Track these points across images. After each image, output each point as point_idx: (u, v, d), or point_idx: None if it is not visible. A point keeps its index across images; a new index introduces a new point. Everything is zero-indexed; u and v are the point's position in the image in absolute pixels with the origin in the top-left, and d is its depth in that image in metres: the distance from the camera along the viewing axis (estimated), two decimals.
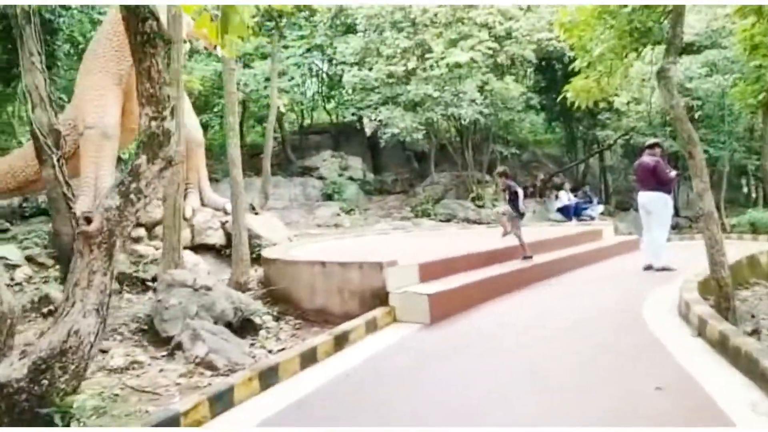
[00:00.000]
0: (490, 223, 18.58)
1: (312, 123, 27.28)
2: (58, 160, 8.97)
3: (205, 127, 27.19)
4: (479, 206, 19.38)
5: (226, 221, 13.15)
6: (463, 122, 18.17)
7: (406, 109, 18.29)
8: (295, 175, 23.15)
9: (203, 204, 13.90)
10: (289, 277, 9.00)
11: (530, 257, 9.53)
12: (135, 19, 4.65)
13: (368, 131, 24.92)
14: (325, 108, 26.05)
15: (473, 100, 17.10)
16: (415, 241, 12.96)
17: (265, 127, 25.49)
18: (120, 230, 4.65)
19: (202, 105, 21.38)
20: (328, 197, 21.42)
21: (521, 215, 9.78)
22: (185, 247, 12.92)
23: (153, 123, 4.85)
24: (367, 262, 7.63)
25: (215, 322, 7.14)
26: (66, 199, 9.03)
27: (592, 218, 18.52)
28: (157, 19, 4.72)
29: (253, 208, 18.67)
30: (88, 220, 4.54)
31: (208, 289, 7.62)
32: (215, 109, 23.63)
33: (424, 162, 24.16)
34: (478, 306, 7.42)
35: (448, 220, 18.69)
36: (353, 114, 22.55)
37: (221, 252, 12.94)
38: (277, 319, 8.23)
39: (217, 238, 13.00)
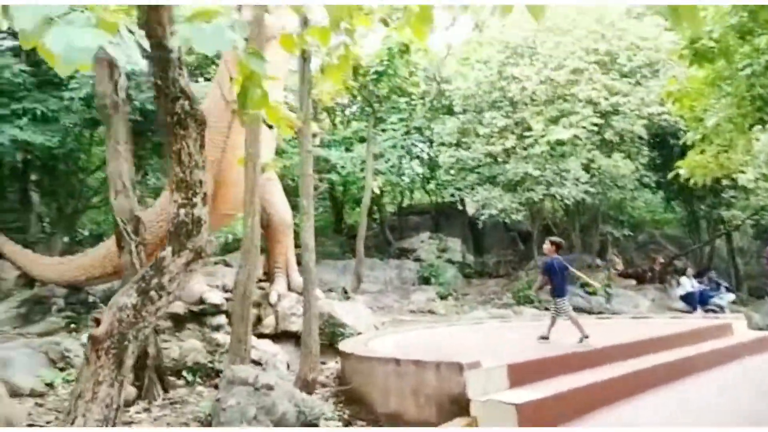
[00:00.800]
0: (602, 312, 16.92)
1: (411, 204, 26.91)
2: (136, 247, 8.87)
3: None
4: (590, 293, 17.77)
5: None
6: (567, 202, 16.98)
7: (505, 189, 17.42)
8: (393, 257, 22.62)
9: (290, 288, 13.52)
10: (363, 375, 8.21)
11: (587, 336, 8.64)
12: (165, 98, 4.25)
13: (470, 211, 24.10)
14: (424, 189, 25.64)
15: (578, 179, 15.96)
16: (511, 335, 11.76)
17: (369, 210, 25.61)
18: (135, 333, 4.09)
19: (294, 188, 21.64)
20: (425, 281, 20.60)
21: (562, 298, 8.92)
22: (269, 335, 12.54)
23: (182, 210, 4.35)
24: (445, 362, 6.67)
25: (276, 425, 6.48)
26: None
27: (721, 308, 16.43)
28: (189, 98, 4.30)
29: (346, 292, 18.21)
30: (98, 322, 4.01)
31: (270, 388, 6.95)
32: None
33: (530, 243, 22.91)
34: (581, 418, 6.20)
35: None
36: (452, 195, 21.90)
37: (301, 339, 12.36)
38: (347, 423, 7.41)
39: (299, 324, 12.42)
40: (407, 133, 21.78)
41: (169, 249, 4.30)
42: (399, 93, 18.49)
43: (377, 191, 17.78)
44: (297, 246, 23.45)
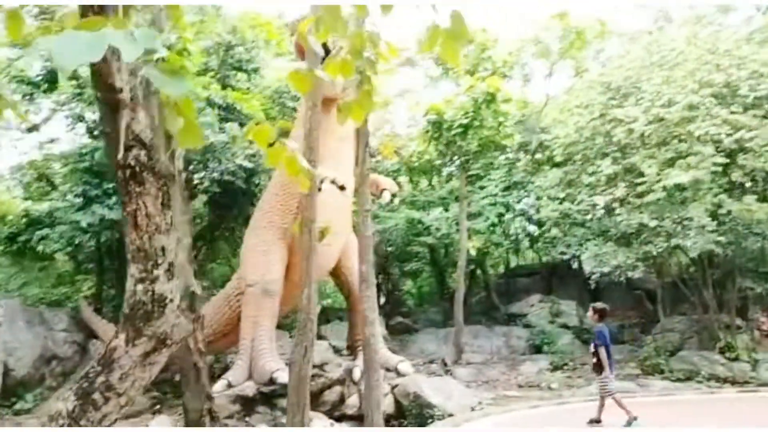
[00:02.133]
0: (747, 382, 14.31)
1: (520, 265, 25.14)
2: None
3: (412, 275, 26.75)
4: (730, 359, 15.17)
5: (397, 384, 11.42)
6: (690, 255, 14.77)
7: (618, 243, 15.52)
8: (501, 324, 20.90)
9: None
10: None
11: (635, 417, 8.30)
12: (115, 148, 3.45)
13: (587, 270, 22.01)
14: (532, 248, 23.86)
15: (703, 227, 13.82)
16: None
17: (468, 273, 24.15)
18: None
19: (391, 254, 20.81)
20: (537, 349, 18.70)
21: (603, 372, 8.48)
22: (352, 417, 11.39)
23: (139, 287, 3.45)
24: None
25: None
26: (197, 370, 8.11)
27: None
28: (146, 147, 3.46)
29: (445, 364, 16.78)
30: None
31: None
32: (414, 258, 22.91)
33: (663, 302, 20.35)
34: None
35: (688, 379, 14.76)
36: (562, 253, 20.07)
37: (389, 423, 11.09)
38: None
39: (385, 405, 11.19)
40: (507, 188, 20.40)
41: (121, 337, 3.38)
42: (492, 147, 17.28)
43: (473, 252, 16.48)
44: (405, 314, 22.64)
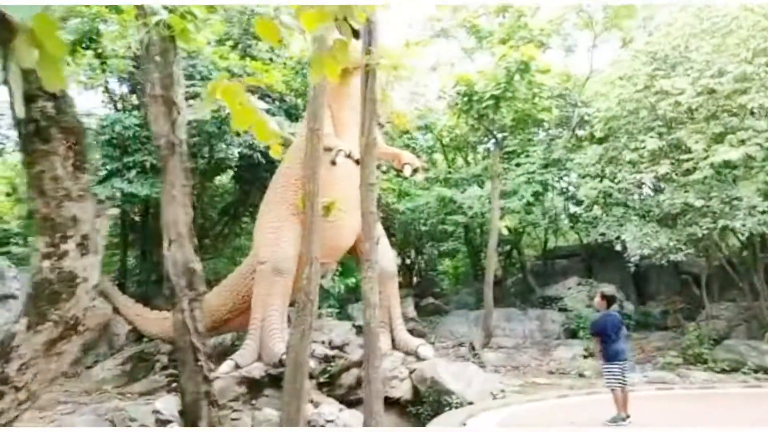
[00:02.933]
0: None
1: (559, 246, 24.13)
2: (189, 303, 7.78)
3: (449, 254, 25.99)
4: None
5: (414, 369, 10.88)
6: (739, 237, 13.71)
7: (661, 223, 14.52)
8: (536, 306, 20.10)
9: (394, 347, 11.86)
10: None
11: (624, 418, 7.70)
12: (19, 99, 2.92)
13: (632, 252, 20.95)
14: (573, 228, 22.84)
15: (754, 207, 12.74)
16: (662, 410, 9.09)
17: (503, 253, 23.34)
18: None
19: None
20: (572, 334, 17.88)
21: (613, 363, 7.74)
22: None
23: (45, 263, 2.95)
24: None
25: None
26: (194, 350, 7.69)
27: None
28: (56, 97, 2.93)
29: (473, 349, 16.14)
30: None
31: None
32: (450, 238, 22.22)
33: (710, 287, 19.17)
34: None
35: (734, 370, 13.76)
36: (602, 234, 19.05)
37: (406, 409, 10.58)
38: None
39: (402, 390, 10.74)
40: (546, 166, 19.44)
41: (22, 321, 2.90)
42: (528, 121, 16.36)
43: (505, 232, 15.71)
44: (429, 294, 22.00)
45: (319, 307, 15.95)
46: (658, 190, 14.54)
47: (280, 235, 10.65)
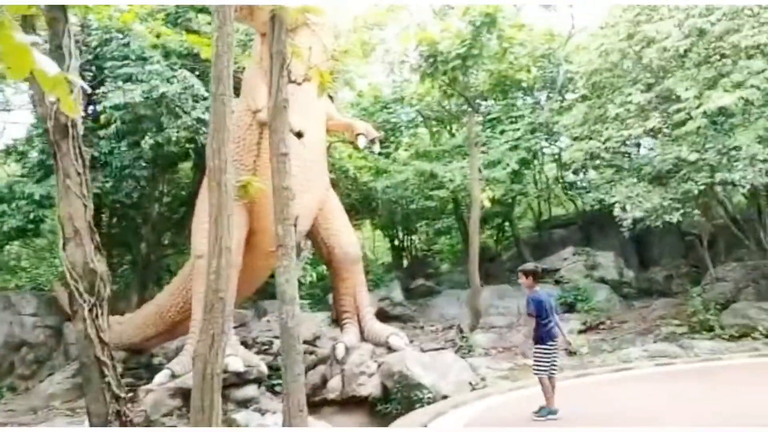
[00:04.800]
0: None
1: (553, 216, 22.90)
2: (90, 310, 6.70)
3: (446, 232, 24.76)
4: None
5: (382, 363, 9.78)
6: (741, 191, 12.48)
7: (653, 182, 13.30)
8: None
9: (363, 338, 10.76)
10: None
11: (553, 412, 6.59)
12: None
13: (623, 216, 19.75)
14: (567, 195, 21.61)
15: (754, 157, 11.48)
16: (662, 396, 7.96)
17: (495, 227, 22.16)
18: None
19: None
20: (570, 307, 16.72)
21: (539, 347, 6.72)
22: (335, 402, 9.86)
23: None
24: None
25: None
26: (100, 365, 6.62)
27: None
28: None
29: (461, 332, 15.03)
30: None
31: None
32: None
33: (712, 249, 17.95)
34: None
35: (743, 336, 12.61)
36: (599, 199, 17.78)
37: (376, 408, 9.51)
38: None
39: (370, 387, 9.66)
40: (533, 132, 18.17)
41: None
42: (506, 83, 15.08)
43: (488, 204, 14.53)
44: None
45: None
46: (648, 147, 13.30)
47: None
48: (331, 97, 12.43)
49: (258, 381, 8.81)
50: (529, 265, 7.41)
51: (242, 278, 10.10)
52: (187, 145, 12.59)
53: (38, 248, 16.25)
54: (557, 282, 17.85)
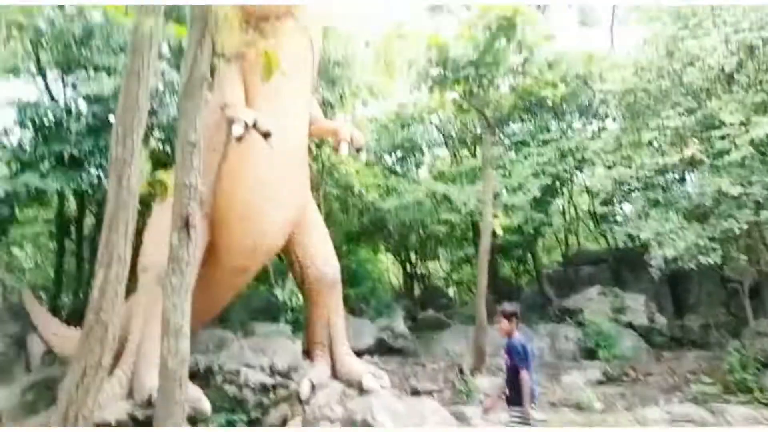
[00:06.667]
0: None
1: (581, 250, 21.19)
2: None
3: (468, 260, 23.26)
4: None
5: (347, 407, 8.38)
6: None
7: (688, 217, 11.66)
8: (552, 320, 17.31)
9: (335, 375, 9.38)
10: None
11: None
12: None
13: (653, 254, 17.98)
14: (597, 228, 19.93)
15: None
16: None
17: (515, 258, 20.55)
18: None
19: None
20: (590, 354, 15.02)
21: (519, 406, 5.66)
22: None
23: None
24: None
25: None
26: None
27: None
28: None
29: (461, 372, 13.53)
30: None
31: None
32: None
33: (756, 298, 15.99)
34: None
35: None
36: (628, 234, 16.10)
37: None
38: None
39: None
40: (562, 157, 16.67)
41: None
42: (530, 100, 13.67)
43: (499, 231, 13.07)
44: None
45: (275, 319, 13.69)
46: (683, 177, 11.74)
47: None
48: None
49: (193, 421, 7.48)
50: (508, 306, 6.17)
51: (201, 298, 8.87)
52: (166, 147, 11.52)
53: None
54: (579, 324, 16.14)
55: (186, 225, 4.90)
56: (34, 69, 13.46)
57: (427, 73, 11.70)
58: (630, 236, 15.45)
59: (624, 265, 19.64)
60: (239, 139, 8.11)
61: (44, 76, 13.63)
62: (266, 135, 7.82)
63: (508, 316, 6.04)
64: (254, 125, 7.85)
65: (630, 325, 16.22)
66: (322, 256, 9.51)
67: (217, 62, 9.89)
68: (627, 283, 18.77)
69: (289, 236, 9.41)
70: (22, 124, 12.15)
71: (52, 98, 13.43)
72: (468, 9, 11.80)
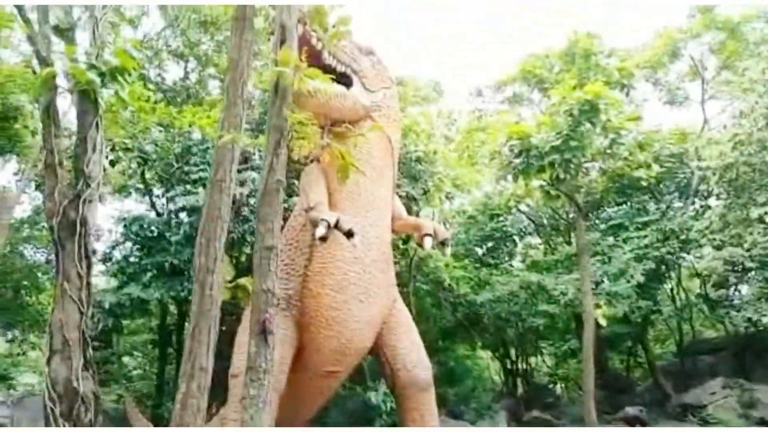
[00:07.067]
0: None
1: (697, 338, 19.54)
2: None
3: (573, 354, 22.00)
4: None
5: None
6: None
7: None
8: (673, 418, 15.76)
9: None
10: None
11: None
12: None
13: None
14: (714, 314, 18.36)
15: None
16: None
17: (624, 350, 19.21)
18: None
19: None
20: None
21: None
22: None
23: None
24: None
25: None
26: None
27: None
28: None
29: None
30: None
31: None
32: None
33: None
34: None
35: None
36: (748, 319, 14.74)
37: None
38: None
39: None
40: (665, 239, 15.75)
41: None
42: (623, 183, 13.16)
43: (603, 322, 12.27)
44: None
45: (370, 422, 13.19)
46: None
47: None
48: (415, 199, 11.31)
49: None
50: (634, 411, 5.57)
51: (292, 403, 8.71)
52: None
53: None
54: (703, 421, 14.58)
55: (263, 331, 4.82)
56: (141, 186, 14.54)
57: (510, 162, 11.60)
58: (751, 321, 14.18)
59: (748, 353, 17.88)
60: (323, 239, 8.17)
61: (150, 193, 14.65)
62: (349, 234, 7.82)
63: (631, 422, 5.42)
64: (336, 225, 7.90)
65: (762, 422, 14.47)
66: (412, 358, 9.14)
67: (298, 167, 10.26)
68: (753, 372, 16.99)
69: (378, 336, 9.18)
70: (128, 238, 12.95)
71: (157, 213, 14.32)
72: (548, 98, 11.75)
